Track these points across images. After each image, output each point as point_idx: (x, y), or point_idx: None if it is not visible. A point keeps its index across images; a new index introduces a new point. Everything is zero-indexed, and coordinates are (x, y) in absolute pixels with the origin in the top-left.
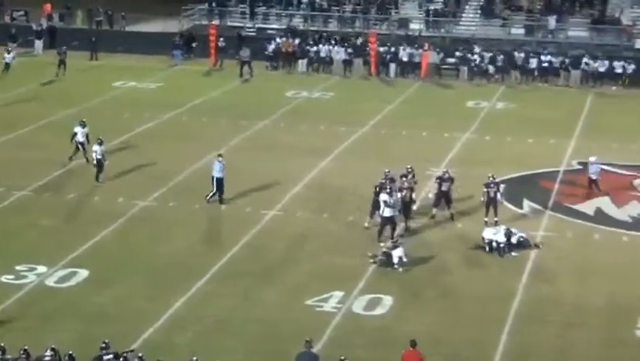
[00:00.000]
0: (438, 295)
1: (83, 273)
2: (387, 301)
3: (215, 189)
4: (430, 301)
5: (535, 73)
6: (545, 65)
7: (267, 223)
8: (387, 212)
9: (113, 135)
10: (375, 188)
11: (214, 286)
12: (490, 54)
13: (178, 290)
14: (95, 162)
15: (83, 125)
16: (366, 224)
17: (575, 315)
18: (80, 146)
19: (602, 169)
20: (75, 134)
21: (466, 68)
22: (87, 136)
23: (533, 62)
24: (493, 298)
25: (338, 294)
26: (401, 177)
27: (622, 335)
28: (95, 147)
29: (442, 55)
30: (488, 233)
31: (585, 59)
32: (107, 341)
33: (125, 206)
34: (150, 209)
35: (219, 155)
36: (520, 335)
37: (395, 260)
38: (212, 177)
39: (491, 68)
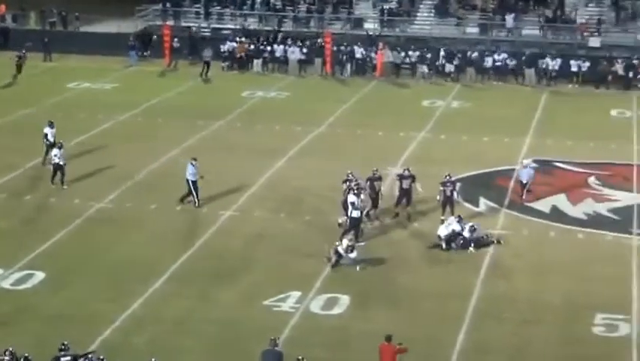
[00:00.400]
0: (395, 293)
1: (40, 275)
2: (345, 300)
3: (192, 191)
4: (387, 299)
5: (491, 72)
6: (499, 63)
7: (224, 224)
8: (355, 213)
9: (69, 136)
10: (344, 189)
11: (172, 287)
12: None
13: (135, 291)
14: (51, 165)
15: (52, 125)
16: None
17: (532, 312)
18: (48, 148)
19: (535, 172)
20: (46, 135)
21: (425, 67)
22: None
23: (488, 61)
24: (450, 296)
25: (295, 294)
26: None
27: (578, 332)
28: (55, 151)
29: (403, 54)
30: (442, 230)
31: (547, 59)
32: (65, 342)
33: (82, 207)
34: (107, 210)
35: (193, 158)
36: (477, 332)
37: (348, 261)
38: (187, 180)
39: (449, 67)
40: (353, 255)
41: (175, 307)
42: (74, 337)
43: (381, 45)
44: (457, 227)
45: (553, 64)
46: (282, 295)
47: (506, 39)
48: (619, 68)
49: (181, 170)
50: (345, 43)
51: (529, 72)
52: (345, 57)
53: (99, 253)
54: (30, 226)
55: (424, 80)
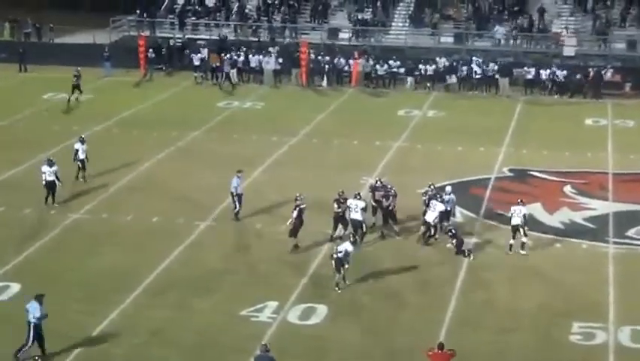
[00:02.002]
0: (372, 303)
1: (15, 287)
2: (322, 310)
3: (237, 205)
4: (364, 309)
5: (475, 82)
6: (480, 75)
7: (200, 234)
8: (355, 215)
9: (43, 148)
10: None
11: (148, 298)
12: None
13: (112, 302)
14: (44, 183)
15: (83, 141)
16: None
17: (509, 320)
18: (80, 163)
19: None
20: (77, 151)
21: (411, 78)
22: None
23: (478, 71)
24: (427, 304)
25: (272, 304)
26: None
27: (556, 340)
28: (45, 168)
29: (385, 65)
30: (430, 215)
31: (525, 68)
32: (37, 357)
33: (58, 218)
34: (83, 221)
35: (239, 171)
36: (455, 340)
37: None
38: (232, 193)
39: (451, 79)
40: (350, 248)
41: (152, 317)
42: (51, 349)
43: (356, 54)
44: (442, 207)
45: (530, 73)
46: (259, 305)
47: (481, 49)
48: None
49: (155, 181)
50: (322, 53)
51: (504, 81)
52: (326, 67)
53: (76, 264)
54: (5, 237)
55: (409, 90)
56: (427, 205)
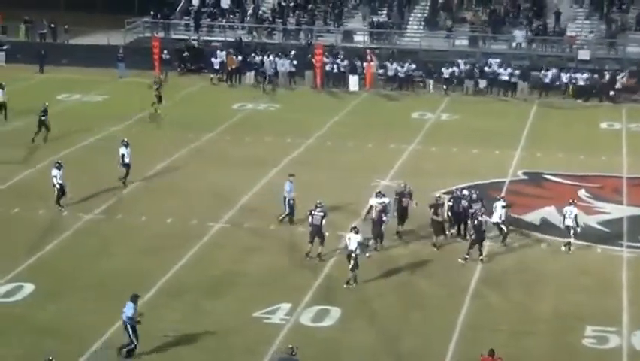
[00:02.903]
0: (385, 306)
1: (29, 287)
2: (335, 312)
3: (287, 209)
4: (377, 312)
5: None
6: (505, 77)
7: (214, 236)
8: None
9: (59, 149)
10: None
11: (161, 299)
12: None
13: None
14: (56, 186)
15: (127, 145)
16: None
17: (523, 324)
18: (125, 168)
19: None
20: (123, 155)
21: (431, 81)
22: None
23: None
24: (441, 307)
25: (285, 306)
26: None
27: (569, 344)
28: (55, 172)
29: (413, 67)
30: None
31: (542, 72)
32: (50, 358)
33: (72, 219)
34: (96, 222)
35: (291, 175)
36: (469, 344)
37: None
38: (284, 198)
39: (482, 83)
40: (358, 237)
41: (165, 319)
42: (63, 349)
43: (369, 57)
44: (502, 206)
45: (547, 76)
46: (272, 307)
47: (496, 52)
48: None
49: (170, 182)
50: (340, 56)
51: (523, 85)
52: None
53: (89, 264)
54: (19, 238)
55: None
56: (465, 208)
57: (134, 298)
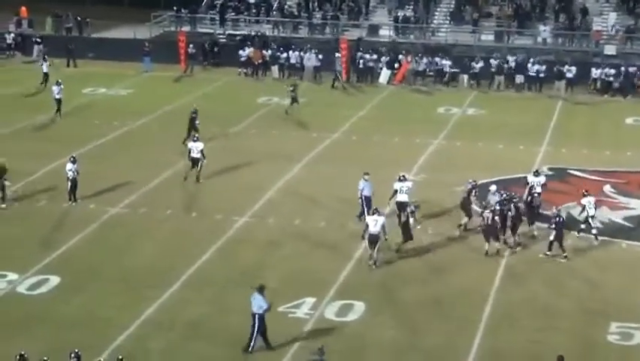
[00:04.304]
0: (410, 300)
1: (55, 280)
2: (360, 307)
3: (363, 207)
4: (402, 306)
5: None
6: (533, 74)
7: (239, 230)
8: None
9: (84, 142)
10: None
11: (186, 293)
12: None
13: (150, 297)
14: (69, 181)
15: (196, 139)
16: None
17: (547, 319)
18: (194, 163)
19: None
20: (190, 150)
21: (466, 76)
22: (202, 152)
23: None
24: (465, 302)
25: (310, 300)
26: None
27: (594, 340)
28: (69, 165)
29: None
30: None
31: (567, 67)
32: (76, 350)
33: (97, 213)
34: (121, 216)
35: (366, 173)
36: (494, 339)
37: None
38: (361, 196)
39: (519, 78)
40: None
41: (189, 313)
42: (88, 343)
43: (409, 57)
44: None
45: (572, 71)
46: (296, 302)
47: (521, 47)
48: None
49: (193, 176)
50: (370, 51)
51: (560, 84)
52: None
53: (114, 258)
54: (45, 231)
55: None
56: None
57: (261, 290)
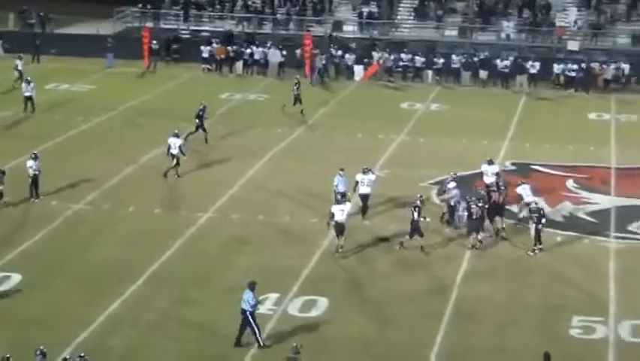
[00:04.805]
0: (373, 296)
1: (16, 277)
2: (323, 302)
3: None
4: (365, 302)
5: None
6: (501, 69)
7: (203, 226)
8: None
9: (46, 139)
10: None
11: (149, 289)
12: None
13: (113, 293)
14: (30, 178)
15: (177, 135)
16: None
17: (510, 314)
18: (174, 158)
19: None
20: (169, 146)
21: (430, 72)
22: (180, 148)
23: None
24: (428, 297)
25: (273, 296)
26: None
27: (556, 334)
28: (30, 162)
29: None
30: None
31: (530, 62)
32: (42, 347)
33: (59, 209)
34: (84, 212)
35: (341, 169)
36: (456, 334)
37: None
38: (336, 192)
39: (483, 74)
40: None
41: (152, 309)
42: (51, 340)
43: (380, 54)
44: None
45: (535, 67)
46: (260, 297)
47: (485, 43)
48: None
49: (158, 173)
50: (334, 47)
51: (522, 78)
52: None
53: (77, 255)
54: (6, 228)
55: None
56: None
57: (252, 286)
